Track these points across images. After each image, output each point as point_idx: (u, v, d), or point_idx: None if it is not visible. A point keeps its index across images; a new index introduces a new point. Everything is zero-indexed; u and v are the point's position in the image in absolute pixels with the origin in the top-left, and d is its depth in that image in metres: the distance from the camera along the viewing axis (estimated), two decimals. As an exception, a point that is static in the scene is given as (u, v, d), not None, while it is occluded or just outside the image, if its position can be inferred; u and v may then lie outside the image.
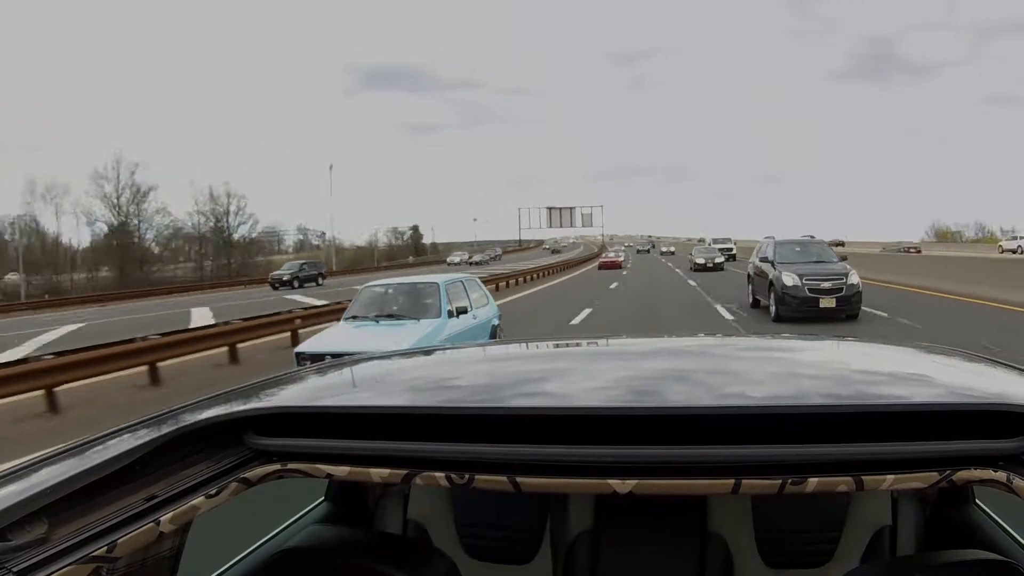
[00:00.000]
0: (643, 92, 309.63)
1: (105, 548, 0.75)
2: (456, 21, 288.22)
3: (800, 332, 2.06)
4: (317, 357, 6.91)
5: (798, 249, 14.33)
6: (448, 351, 1.79)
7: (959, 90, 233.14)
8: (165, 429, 0.91)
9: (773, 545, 1.43)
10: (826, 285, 12.66)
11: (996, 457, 0.83)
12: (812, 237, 15.32)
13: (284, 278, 39.75)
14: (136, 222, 61.05)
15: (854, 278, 12.87)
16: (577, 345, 1.70)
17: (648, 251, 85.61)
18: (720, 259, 34.97)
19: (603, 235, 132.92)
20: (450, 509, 1.56)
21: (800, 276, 12.74)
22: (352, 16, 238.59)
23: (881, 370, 1.23)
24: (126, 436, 0.90)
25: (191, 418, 0.95)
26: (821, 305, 12.46)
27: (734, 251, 46.51)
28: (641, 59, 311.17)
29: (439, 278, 9.21)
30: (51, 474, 0.78)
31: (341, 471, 0.93)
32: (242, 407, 0.99)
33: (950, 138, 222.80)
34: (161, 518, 0.82)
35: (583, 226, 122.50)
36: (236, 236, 66.08)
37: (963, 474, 0.83)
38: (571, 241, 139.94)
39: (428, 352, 1.75)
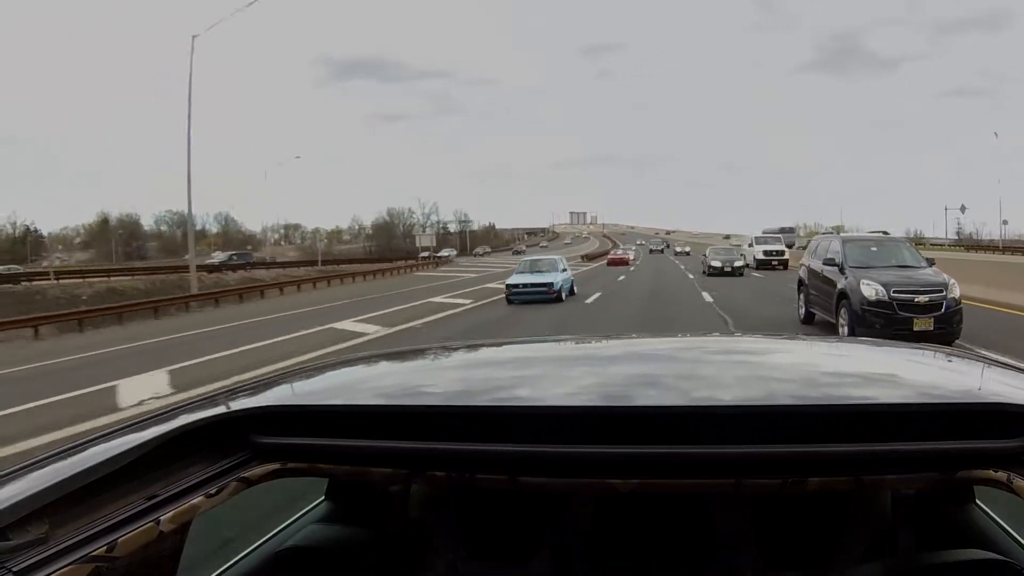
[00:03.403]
0: (649, 90, 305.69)
1: (105, 548, 0.75)
2: (433, 16, 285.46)
3: None
4: (514, 285, 17.73)
5: (874, 249, 10.92)
6: (450, 350, 1.60)
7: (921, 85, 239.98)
8: (165, 428, 0.90)
9: (773, 545, 1.38)
10: (921, 300, 9.30)
11: (996, 457, 0.83)
12: (886, 233, 11.91)
13: (215, 263, 47.39)
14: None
15: (955, 290, 9.53)
16: (580, 344, 1.73)
17: (662, 250, 79.04)
18: (740, 263, 30.05)
19: (603, 227, 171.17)
20: (451, 508, 1.48)
21: (886, 287, 9.37)
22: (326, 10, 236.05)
23: (882, 370, 1.25)
24: (126, 435, 0.89)
25: (191, 417, 0.93)
26: (915, 328, 9.11)
27: (786, 255, 33.36)
28: (630, 51, 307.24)
29: (556, 256, 22.01)
30: (51, 473, 0.78)
31: (342, 470, 0.94)
32: (242, 406, 0.98)
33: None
34: (161, 517, 0.82)
35: (591, 223, 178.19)
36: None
37: (963, 474, 0.85)
38: (584, 236, 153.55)
39: (430, 351, 1.60)
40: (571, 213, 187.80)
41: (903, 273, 9.94)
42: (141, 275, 37.64)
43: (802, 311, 12.49)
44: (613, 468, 0.85)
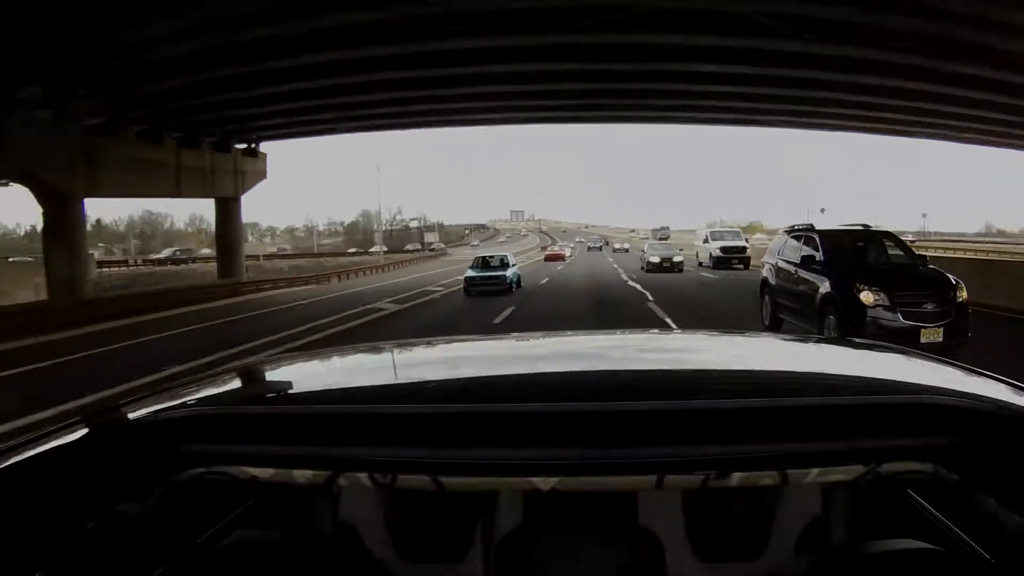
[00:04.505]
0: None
1: (34, 555, 0.76)
2: None
3: None
4: (472, 278, 20.04)
5: (860, 244, 9.15)
6: (377, 351, 1.60)
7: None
8: (90, 433, 0.91)
9: (705, 539, 1.36)
10: (929, 307, 7.51)
11: (923, 450, 0.85)
12: (867, 226, 10.14)
13: (161, 258, 56.69)
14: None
15: (963, 293, 7.82)
16: (507, 343, 1.77)
17: (600, 248, 75.78)
18: (679, 258, 29.07)
19: (540, 223, 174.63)
20: (380, 509, 1.44)
21: (887, 291, 7.54)
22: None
23: (811, 366, 1.29)
24: (49, 442, 0.90)
25: (115, 421, 0.95)
26: (923, 339, 7.31)
27: (748, 253, 29.40)
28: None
29: (506, 252, 24.92)
30: None
31: (265, 473, 0.94)
32: (167, 410, 1.00)
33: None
34: (87, 524, 0.82)
35: (529, 220, 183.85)
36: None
37: (890, 467, 0.86)
38: (522, 233, 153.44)
39: (357, 352, 1.63)
40: (511, 211, 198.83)
41: (902, 274, 8.17)
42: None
43: (766, 317, 10.68)
44: (534, 468, 0.86)
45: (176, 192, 23.82)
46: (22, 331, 13.58)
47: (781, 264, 10.09)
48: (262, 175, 27.73)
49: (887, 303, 7.44)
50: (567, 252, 56.75)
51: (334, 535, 1.43)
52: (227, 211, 26.83)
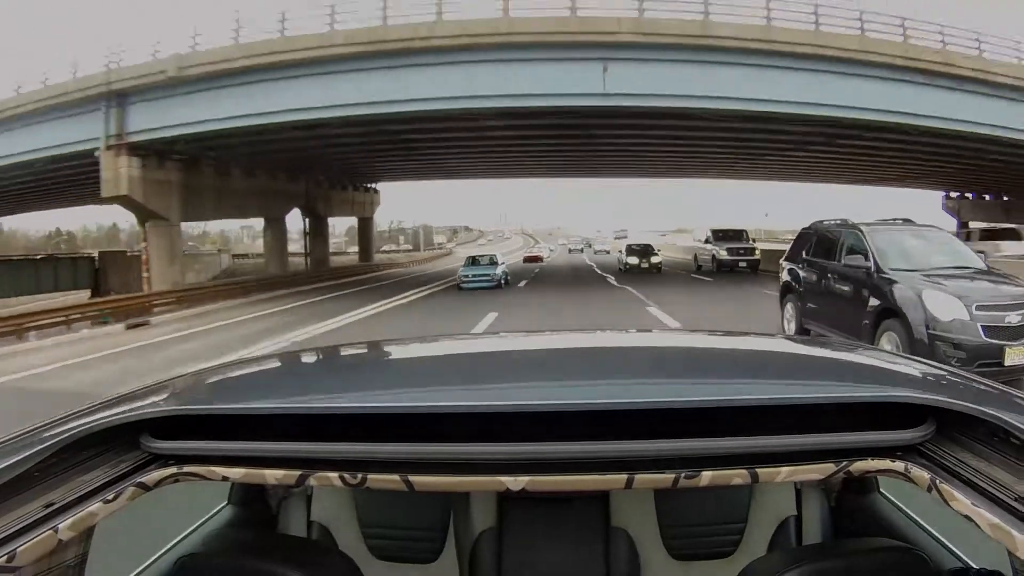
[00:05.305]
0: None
1: (5, 558, 0.75)
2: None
3: None
4: (465, 276, 21.80)
5: (915, 242, 7.70)
6: (348, 349, 1.58)
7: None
8: (61, 434, 0.90)
9: (678, 538, 1.39)
10: (1014, 319, 6.10)
11: (894, 448, 0.85)
12: (909, 221, 8.71)
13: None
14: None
15: (1043, 302, 6.44)
16: (475, 341, 1.76)
17: (581, 250, 73.13)
18: (657, 259, 27.84)
19: (522, 226, 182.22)
20: (354, 510, 1.50)
21: (965, 301, 6.13)
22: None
23: (782, 364, 1.25)
24: (21, 442, 0.89)
25: (87, 422, 0.94)
26: (1007, 362, 5.91)
27: (757, 255, 25.99)
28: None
29: (496, 251, 32.52)
30: None
31: (236, 473, 0.93)
32: (138, 409, 0.98)
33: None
34: (59, 525, 0.81)
35: (512, 224, 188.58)
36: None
37: (860, 465, 0.86)
38: (505, 236, 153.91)
39: (326, 351, 1.61)
40: (498, 214, 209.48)
41: (974, 278, 6.78)
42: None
43: (790, 326, 9.28)
44: (504, 466, 0.85)
45: (352, 213, 42.54)
46: (327, 278, 27.96)
47: (810, 266, 8.70)
48: (379, 203, 45.35)
49: (967, 317, 6.03)
50: (545, 253, 55.88)
51: (308, 537, 1.43)
52: (366, 224, 45.66)
